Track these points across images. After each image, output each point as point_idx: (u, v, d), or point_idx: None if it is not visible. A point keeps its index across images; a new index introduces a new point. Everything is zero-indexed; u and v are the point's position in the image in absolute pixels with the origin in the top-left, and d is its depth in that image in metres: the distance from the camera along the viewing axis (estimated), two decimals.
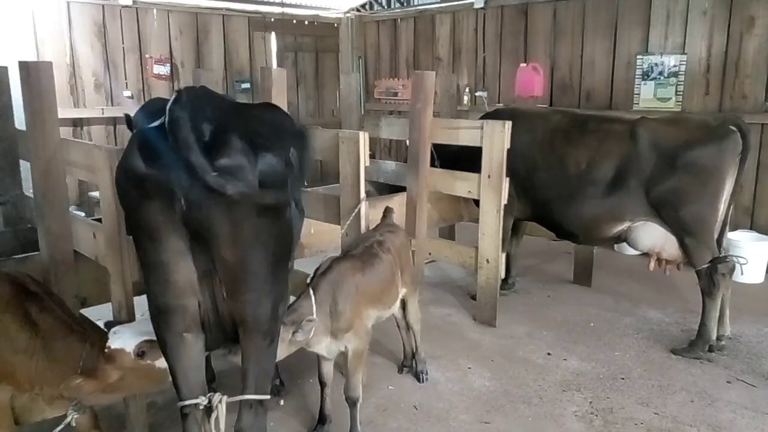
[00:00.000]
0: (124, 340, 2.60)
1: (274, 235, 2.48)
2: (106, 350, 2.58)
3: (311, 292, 3.05)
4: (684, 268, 4.64)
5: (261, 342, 2.53)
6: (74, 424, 2.71)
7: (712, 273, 4.26)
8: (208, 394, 2.51)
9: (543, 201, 4.92)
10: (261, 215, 2.37)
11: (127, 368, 2.59)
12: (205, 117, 2.24)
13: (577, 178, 4.64)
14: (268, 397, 2.61)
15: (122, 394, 2.83)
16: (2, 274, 2.83)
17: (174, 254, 2.29)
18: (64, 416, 2.72)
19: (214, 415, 2.48)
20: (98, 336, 2.70)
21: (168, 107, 2.17)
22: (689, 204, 4.27)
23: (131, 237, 2.62)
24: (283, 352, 2.93)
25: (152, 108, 2.72)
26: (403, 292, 3.75)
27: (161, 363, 2.58)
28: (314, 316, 2.97)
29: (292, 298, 2.94)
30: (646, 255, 4.87)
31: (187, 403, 2.49)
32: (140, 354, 2.59)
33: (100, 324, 2.86)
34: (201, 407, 2.50)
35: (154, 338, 2.52)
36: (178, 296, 2.36)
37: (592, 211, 4.63)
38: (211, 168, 2.12)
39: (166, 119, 2.15)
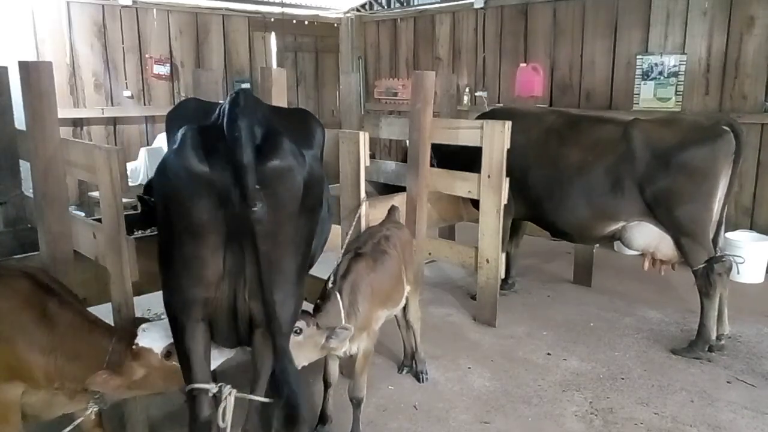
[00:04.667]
0: (152, 339, 2.60)
1: (305, 236, 2.54)
2: (134, 347, 2.58)
3: (338, 296, 3.04)
4: (679, 267, 4.65)
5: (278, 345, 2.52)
6: (93, 417, 2.70)
7: (708, 273, 4.26)
8: (219, 384, 2.50)
9: (538, 200, 4.92)
10: (301, 215, 2.43)
11: (153, 367, 2.59)
12: (257, 120, 2.30)
13: (572, 178, 4.65)
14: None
15: (145, 392, 2.82)
16: (19, 270, 2.77)
17: (210, 251, 2.32)
18: (72, 415, 2.73)
19: (222, 406, 2.47)
20: (125, 331, 2.69)
21: (227, 109, 2.23)
22: (684, 204, 4.27)
23: (157, 232, 2.60)
24: (313, 355, 2.93)
25: (188, 109, 2.80)
26: (407, 289, 3.75)
27: None
28: (343, 321, 2.97)
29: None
30: (642, 255, 4.87)
31: (198, 386, 2.48)
32: (167, 355, 2.59)
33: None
34: (210, 394, 2.49)
35: None
36: (204, 290, 2.38)
37: (586, 211, 4.63)
38: (256, 180, 2.18)
39: (225, 120, 2.21)
